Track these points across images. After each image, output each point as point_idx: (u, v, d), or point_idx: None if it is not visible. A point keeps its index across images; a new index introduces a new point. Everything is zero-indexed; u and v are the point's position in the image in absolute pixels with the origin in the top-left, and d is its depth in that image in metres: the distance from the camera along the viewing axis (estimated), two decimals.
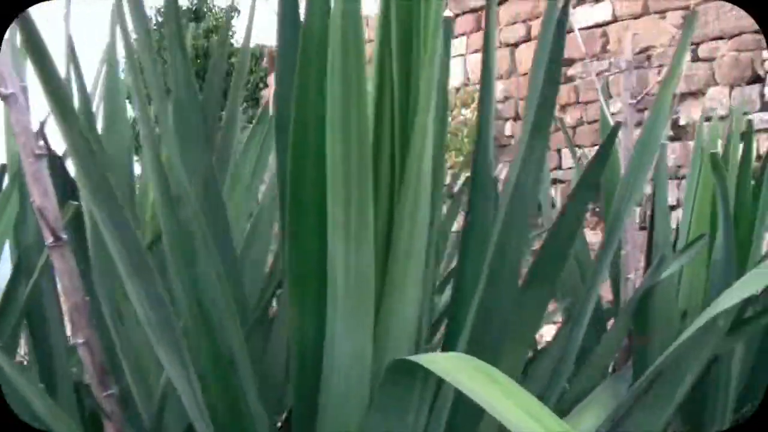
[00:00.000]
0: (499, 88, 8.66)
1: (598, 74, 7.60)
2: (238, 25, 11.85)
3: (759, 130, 6.17)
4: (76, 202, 1.22)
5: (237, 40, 11.69)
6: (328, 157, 1.08)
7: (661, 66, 7.21)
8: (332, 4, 1.07)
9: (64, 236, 1.21)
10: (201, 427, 1.11)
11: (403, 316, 1.15)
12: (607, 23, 7.64)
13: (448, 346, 1.28)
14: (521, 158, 1.29)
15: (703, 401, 1.77)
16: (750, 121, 1.97)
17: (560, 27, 1.27)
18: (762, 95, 6.57)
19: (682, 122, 7.10)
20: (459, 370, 0.91)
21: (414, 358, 0.99)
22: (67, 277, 1.20)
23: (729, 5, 6.77)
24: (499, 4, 8.65)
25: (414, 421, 1.15)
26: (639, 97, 1.98)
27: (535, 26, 8.22)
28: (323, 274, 1.14)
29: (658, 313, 1.66)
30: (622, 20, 7.53)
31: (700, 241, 1.58)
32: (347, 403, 1.15)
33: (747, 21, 6.67)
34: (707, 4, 6.82)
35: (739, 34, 6.74)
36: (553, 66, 1.25)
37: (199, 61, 11.23)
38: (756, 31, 6.66)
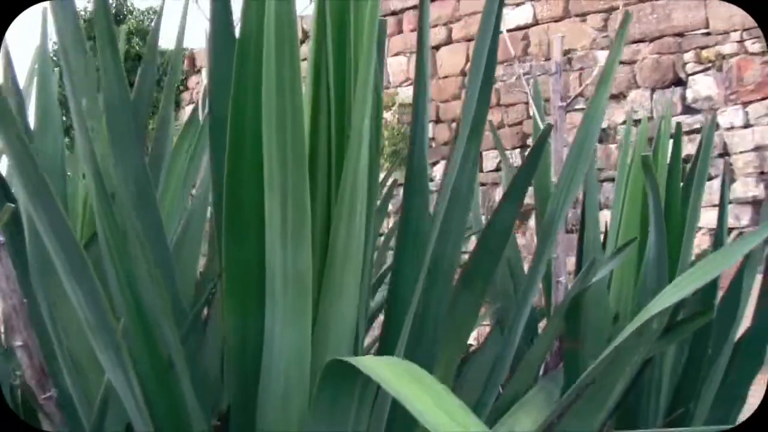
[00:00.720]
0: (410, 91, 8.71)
1: (518, 77, 7.71)
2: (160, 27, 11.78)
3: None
4: (13, 204, 1.20)
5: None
6: (264, 158, 1.08)
7: (582, 69, 7.33)
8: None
9: (1, 238, 1.19)
10: (140, 428, 1.10)
11: (342, 317, 1.16)
12: (529, 26, 7.75)
13: (384, 348, 1.28)
14: (458, 160, 1.30)
15: (635, 404, 1.80)
16: (679, 124, 2.01)
17: (496, 28, 1.29)
18: (683, 98, 6.71)
19: (603, 125, 7.23)
20: (393, 374, 0.92)
21: (351, 360, 1.00)
22: (5, 279, 1.19)
23: (650, 9, 6.92)
24: (419, 6, 8.70)
25: (355, 421, 1.15)
26: (569, 100, 2.01)
27: (456, 29, 8.29)
28: (261, 275, 1.15)
29: (589, 316, 1.69)
30: (543, 23, 7.64)
31: (631, 244, 1.60)
32: (287, 403, 1.16)
33: (667, 24, 6.82)
34: (628, 8, 6.96)
35: (660, 37, 6.89)
36: (489, 67, 1.27)
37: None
38: (677, 35, 6.81)
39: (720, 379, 1.82)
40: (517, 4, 7.78)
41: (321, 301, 1.13)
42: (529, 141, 7.61)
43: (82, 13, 12.08)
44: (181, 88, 11.14)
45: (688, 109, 6.67)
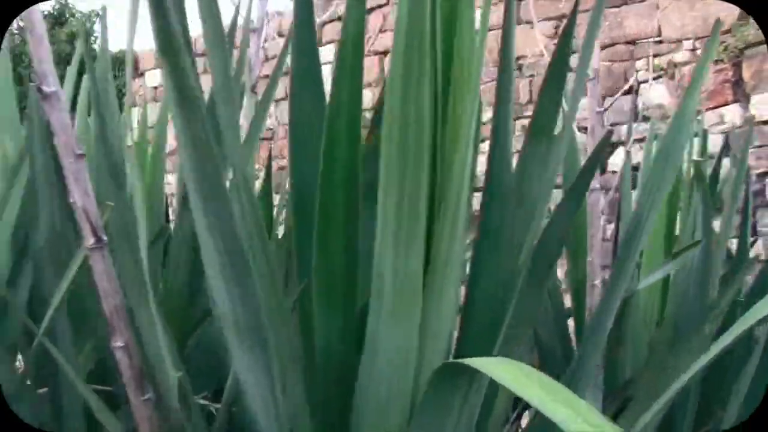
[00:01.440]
0: (368, 96, 8.74)
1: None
2: (100, 30, 11.66)
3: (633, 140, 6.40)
4: (111, 203, 1.19)
5: (99, 45, 11.52)
6: (382, 163, 1.08)
7: (532, 76, 7.39)
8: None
9: (104, 238, 1.18)
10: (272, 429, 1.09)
11: (443, 320, 1.16)
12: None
13: (465, 348, 1.28)
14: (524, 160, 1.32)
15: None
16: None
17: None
18: (635, 106, 6.81)
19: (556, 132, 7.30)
20: (514, 375, 0.93)
21: (467, 361, 1.00)
22: (106, 279, 1.17)
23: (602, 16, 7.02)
24: (369, 12, 8.74)
25: (455, 424, 1.17)
26: (607, 106, 2.03)
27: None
28: (351, 279, 1.17)
29: (631, 322, 1.71)
30: (493, 30, 7.69)
31: (693, 247, 1.61)
32: (388, 406, 1.16)
33: (619, 32, 6.91)
34: (579, 15, 7.02)
35: (612, 44, 6.97)
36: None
37: (61, 65, 10.97)
38: (628, 42, 6.91)
39: (749, 381, 1.84)
40: None
41: (425, 303, 1.13)
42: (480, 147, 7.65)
43: (45, 13, 11.93)
44: (124, 91, 11.01)
45: (638, 117, 6.76)
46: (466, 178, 1.14)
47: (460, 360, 1.04)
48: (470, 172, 1.17)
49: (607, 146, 1.61)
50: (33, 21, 1.20)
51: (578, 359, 1.34)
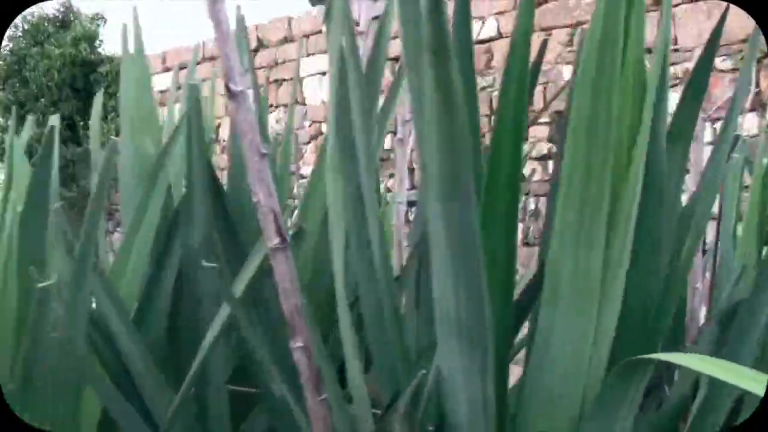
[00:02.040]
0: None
1: (481, 89, 7.79)
2: (105, 33, 11.67)
3: None
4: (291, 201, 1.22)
5: (104, 49, 11.52)
6: (567, 161, 1.11)
7: (546, 83, 7.44)
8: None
9: (287, 238, 1.21)
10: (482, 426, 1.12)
11: (613, 319, 1.19)
12: (493, 39, 7.84)
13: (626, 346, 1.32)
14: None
15: None
16: None
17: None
18: None
19: None
20: (702, 363, 1.02)
21: (664, 356, 1.04)
22: (288, 279, 1.20)
23: None
24: (376, 18, 8.76)
25: (625, 417, 1.20)
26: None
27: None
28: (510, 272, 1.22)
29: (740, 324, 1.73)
30: (508, 37, 7.74)
31: None
32: (560, 400, 1.19)
33: None
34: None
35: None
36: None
37: (67, 68, 10.99)
38: (645, 50, 6.96)
39: None
40: (479, 17, 7.87)
41: (601, 302, 1.16)
42: None
43: (30, 17, 11.91)
44: None
45: None
46: (639, 181, 1.17)
47: (648, 356, 1.09)
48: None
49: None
50: (219, 18, 1.22)
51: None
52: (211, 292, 1.45)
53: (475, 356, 1.10)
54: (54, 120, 1.66)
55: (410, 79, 1.15)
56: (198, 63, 10.40)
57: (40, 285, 1.24)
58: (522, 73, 1.26)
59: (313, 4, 13.91)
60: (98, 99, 1.86)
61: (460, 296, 1.07)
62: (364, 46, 2.25)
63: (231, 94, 1.22)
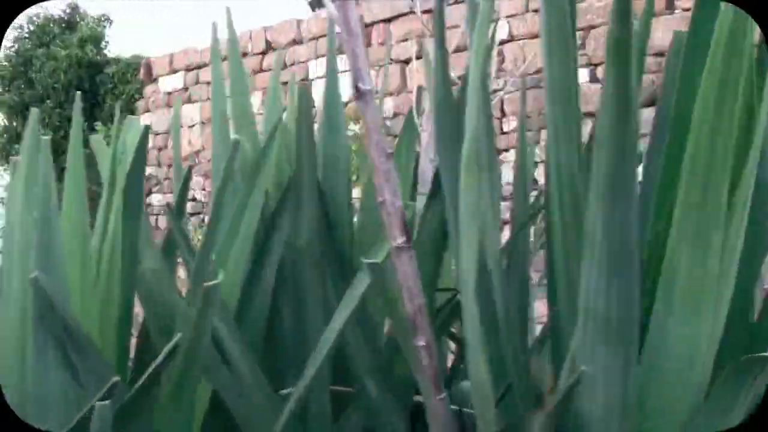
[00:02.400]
0: (389, 104, 8.82)
1: (492, 92, 7.81)
2: (111, 34, 11.67)
3: None
4: (413, 202, 1.23)
5: (110, 50, 11.53)
6: (687, 167, 1.14)
7: None
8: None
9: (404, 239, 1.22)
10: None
11: (723, 319, 1.22)
12: (503, 42, 7.84)
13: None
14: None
15: None
16: None
17: None
18: None
19: None
20: None
21: None
22: (412, 278, 1.21)
23: None
24: (390, 20, 8.79)
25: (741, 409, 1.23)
26: None
27: (428, 43, 8.36)
28: None
29: None
30: (519, 40, 7.75)
31: None
32: (675, 401, 1.22)
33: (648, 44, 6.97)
34: (607, 27, 7.10)
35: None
36: None
37: (73, 69, 10.99)
38: (656, 54, 6.98)
39: None
40: (491, 21, 7.87)
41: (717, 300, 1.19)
42: (502, 156, 7.69)
43: (35, 18, 11.90)
44: (137, 96, 11.03)
45: None
46: (751, 185, 1.20)
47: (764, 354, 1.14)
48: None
49: None
50: (348, 18, 1.24)
51: None
52: (314, 292, 1.46)
53: (620, 355, 1.12)
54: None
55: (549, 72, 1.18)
56: (205, 65, 10.35)
57: (207, 284, 1.25)
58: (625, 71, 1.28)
59: (313, 8, 13.92)
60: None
61: (611, 295, 1.09)
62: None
63: (359, 94, 1.24)
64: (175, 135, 2.05)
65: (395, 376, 1.54)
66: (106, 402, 1.22)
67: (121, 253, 1.49)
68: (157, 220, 11.01)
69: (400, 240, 1.23)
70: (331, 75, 1.70)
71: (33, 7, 11.73)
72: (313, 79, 9.14)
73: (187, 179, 1.73)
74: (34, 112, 1.45)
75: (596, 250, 1.10)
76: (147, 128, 1.64)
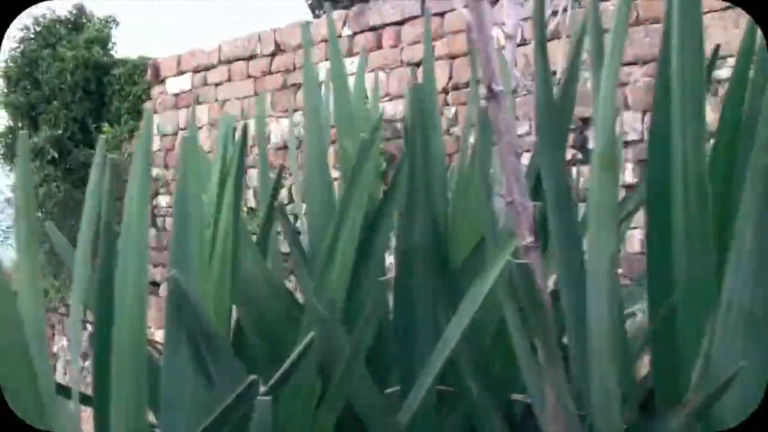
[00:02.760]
0: (399, 107, 8.85)
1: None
2: (118, 35, 11.65)
3: None
4: (537, 202, 1.25)
5: (117, 51, 11.51)
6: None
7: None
8: None
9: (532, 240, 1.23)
10: None
11: None
12: (516, 46, 7.85)
13: None
14: None
15: None
16: None
17: None
18: None
19: (591, 145, 7.37)
20: None
21: None
22: (540, 278, 1.23)
23: (643, 32, 7.09)
24: (402, 23, 8.80)
25: None
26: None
27: (439, 46, 8.36)
28: None
29: None
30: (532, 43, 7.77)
31: None
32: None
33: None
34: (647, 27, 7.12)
35: (654, 60, 7.03)
36: None
37: (79, 71, 10.97)
38: None
39: None
40: (503, 23, 7.88)
41: None
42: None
43: (41, 19, 11.86)
44: (144, 98, 11.01)
45: None
46: None
47: None
48: None
49: None
50: (481, 20, 1.25)
51: None
52: (424, 291, 1.48)
53: (759, 351, 1.14)
54: None
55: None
56: (213, 67, 10.36)
57: (381, 279, 1.27)
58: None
59: (314, 11, 13.91)
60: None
61: (756, 291, 1.11)
62: (511, 50, 2.27)
63: (492, 94, 1.25)
64: (260, 139, 2.06)
65: (494, 375, 1.56)
66: (267, 398, 1.23)
67: (230, 252, 1.51)
68: (164, 221, 11.00)
69: (529, 239, 1.25)
70: (428, 73, 1.71)
71: (39, 8, 11.71)
72: (323, 82, 9.15)
73: (277, 187, 1.75)
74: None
75: (744, 245, 1.12)
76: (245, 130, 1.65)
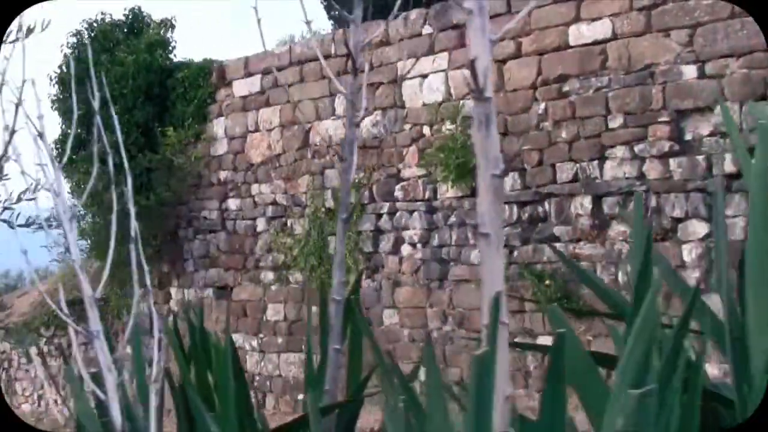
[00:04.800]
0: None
1: (596, 90, 8.31)
2: (176, 38, 11.97)
3: None
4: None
5: (176, 54, 11.79)
6: None
7: (665, 82, 7.95)
8: None
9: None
10: None
11: None
12: (607, 41, 8.32)
13: None
14: None
15: None
16: None
17: None
18: None
19: (687, 137, 7.82)
20: None
21: None
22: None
23: (739, 25, 7.60)
24: (490, 19, 9.22)
25: None
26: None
27: (525, 43, 8.85)
28: None
29: None
30: (623, 38, 8.23)
31: None
32: None
33: (757, 40, 7.47)
34: (716, 24, 7.61)
35: (750, 52, 7.55)
36: None
37: (141, 75, 11.22)
38: (767, 50, 7.52)
39: None
40: (594, 19, 8.37)
41: None
42: (608, 153, 8.18)
43: (96, 25, 12.01)
44: (209, 101, 11.28)
45: None
46: None
47: None
48: None
49: None
50: None
51: None
52: None
53: None
54: None
55: None
56: (284, 68, 10.66)
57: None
58: None
59: (330, 18, 14.24)
60: None
61: None
62: None
63: None
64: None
65: None
66: None
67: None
68: (234, 224, 11.24)
69: None
70: None
71: (93, 12, 11.98)
72: (405, 79, 9.60)
73: None
74: None
75: None
76: None
